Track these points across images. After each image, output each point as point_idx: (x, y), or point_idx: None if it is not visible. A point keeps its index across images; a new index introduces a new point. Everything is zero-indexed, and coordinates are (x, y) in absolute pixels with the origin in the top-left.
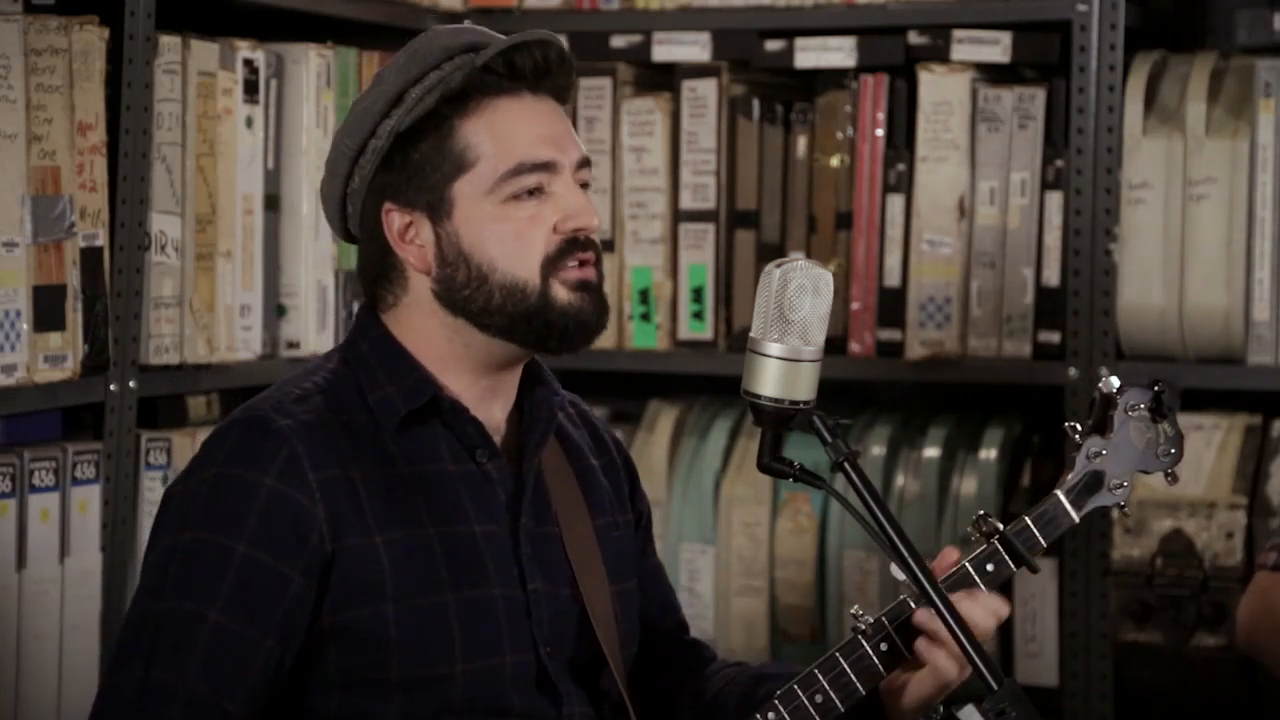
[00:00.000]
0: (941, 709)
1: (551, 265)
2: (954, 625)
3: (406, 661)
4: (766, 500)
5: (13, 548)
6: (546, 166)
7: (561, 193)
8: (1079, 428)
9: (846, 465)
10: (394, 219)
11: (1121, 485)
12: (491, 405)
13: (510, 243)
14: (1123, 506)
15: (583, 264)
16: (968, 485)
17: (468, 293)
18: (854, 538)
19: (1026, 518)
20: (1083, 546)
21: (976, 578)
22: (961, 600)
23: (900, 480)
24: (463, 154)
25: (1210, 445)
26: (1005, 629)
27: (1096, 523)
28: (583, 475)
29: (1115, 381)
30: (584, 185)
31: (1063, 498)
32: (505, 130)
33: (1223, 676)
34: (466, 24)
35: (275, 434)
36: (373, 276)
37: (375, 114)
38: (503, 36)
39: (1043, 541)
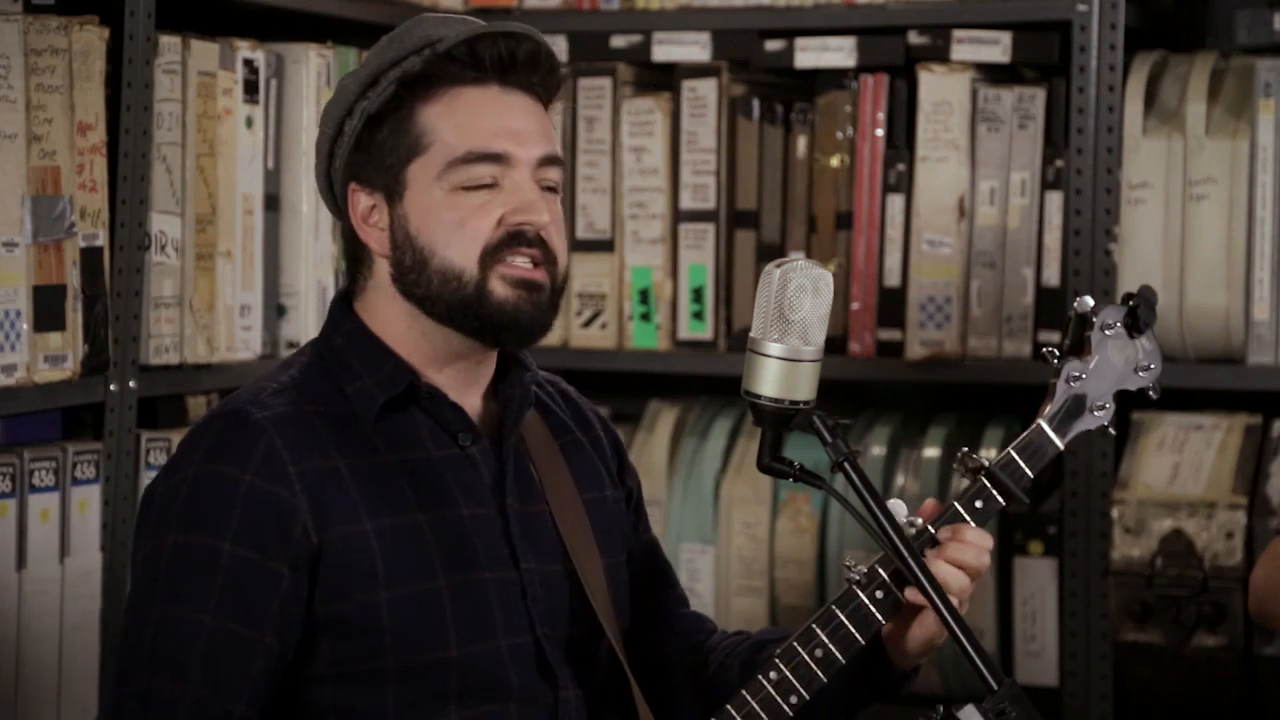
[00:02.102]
0: (941, 709)
1: (490, 256)
2: (953, 624)
3: (401, 649)
4: (766, 500)
5: (13, 548)
6: (498, 158)
7: (514, 186)
8: (1056, 353)
9: (846, 465)
10: (359, 200)
11: (1104, 407)
12: (467, 390)
13: (452, 229)
14: (1107, 427)
15: (531, 262)
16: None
17: (413, 277)
18: (854, 538)
19: (1011, 450)
20: (1083, 546)
21: (966, 516)
22: (949, 545)
23: (900, 480)
24: (419, 138)
25: (1210, 445)
26: (1005, 629)
27: (1096, 523)
28: (568, 450)
29: (1089, 300)
30: (550, 186)
31: (1045, 426)
32: (464, 119)
33: (1223, 676)
34: (458, 15)
35: (253, 428)
36: (350, 258)
37: (351, 94)
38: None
39: (1029, 473)
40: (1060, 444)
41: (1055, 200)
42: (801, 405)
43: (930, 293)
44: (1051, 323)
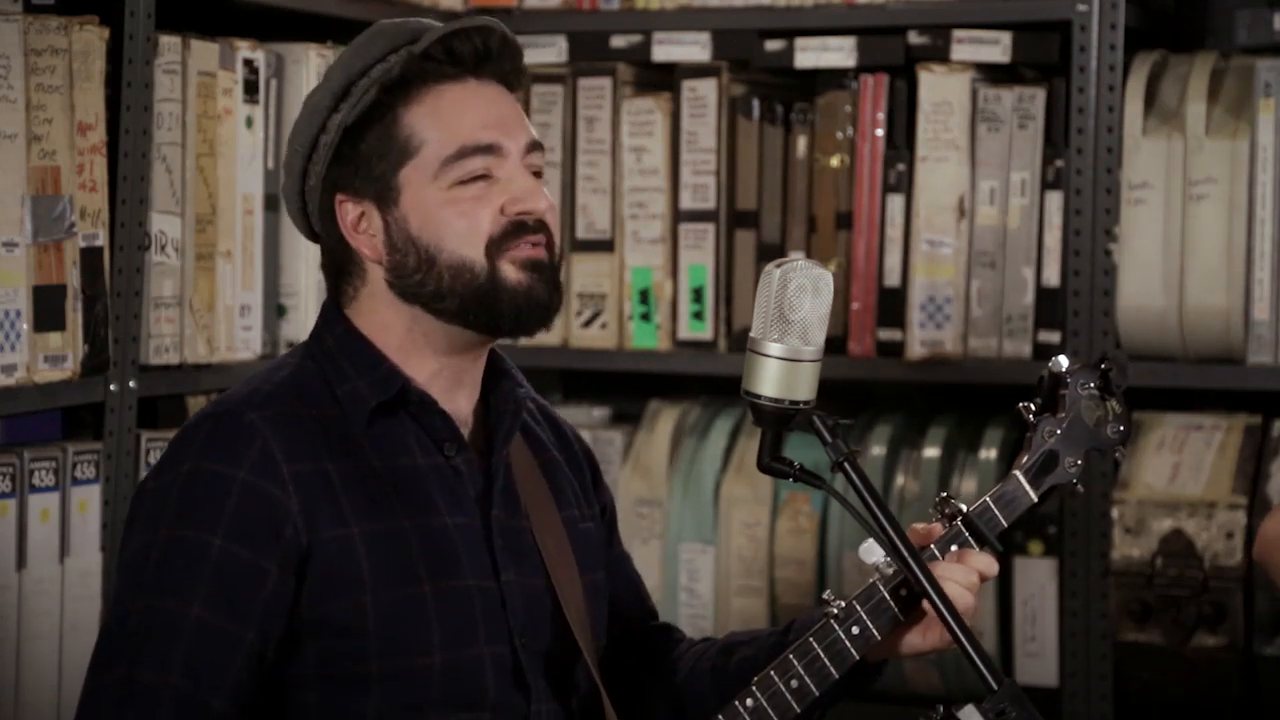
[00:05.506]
0: (941, 709)
1: (497, 246)
2: (954, 627)
3: (384, 653)
4: (766, 500)
5: (13, 548)
6: (490, 149)
7: (508, 176)
8: (1032, 408)
9: (846, 465)
10: (347, 210)
11: (1075, 464)
12: (457, 397)
13: (456, 223)
14: (1076, 484)
15: (533, 245)
16: (968, 485)
17: (419, 277)
18: (854, 538)
19: (987, 498)
20: (1083, 546)
21: (940, 560)
22: (950, 564)
23: (900, 480)
24: (407, 141)
25: (1210, 445)
26: (1005, 629)
27: (1096, 522)
28: (547, 468)
29: (1064, 361)
30: (536, 172)
31: (1021, 478)
32: (449, 116)
33: (1223, 676)
34: (412, 18)
35: (247, 428)
36: (334, 271)
37: (323, 109)
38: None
39: (1004, 522)
40: (1034, 496)
41: (1055, 200)
42: (801, 405)
43: (930, 293)
44: (1051, 323)
